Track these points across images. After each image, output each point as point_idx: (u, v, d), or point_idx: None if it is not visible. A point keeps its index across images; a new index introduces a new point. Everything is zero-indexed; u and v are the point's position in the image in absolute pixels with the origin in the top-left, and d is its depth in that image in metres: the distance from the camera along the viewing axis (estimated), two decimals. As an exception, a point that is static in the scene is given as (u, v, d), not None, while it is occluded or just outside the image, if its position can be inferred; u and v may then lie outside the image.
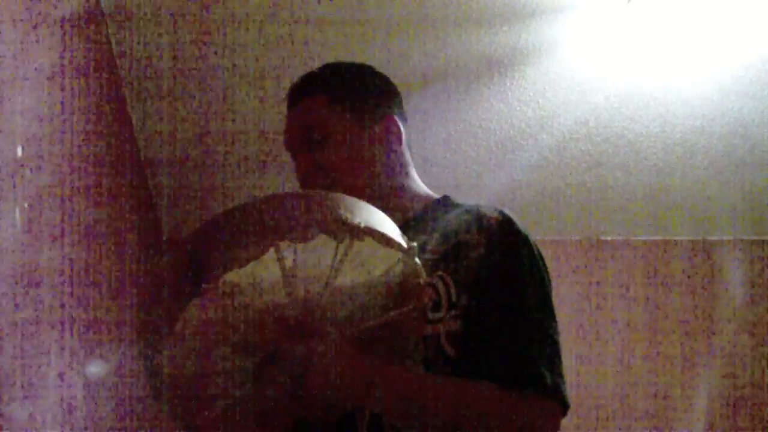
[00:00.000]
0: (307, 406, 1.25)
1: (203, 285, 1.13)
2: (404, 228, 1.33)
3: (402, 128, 1.56)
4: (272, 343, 1.23)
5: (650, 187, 3.29)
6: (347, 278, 1.23)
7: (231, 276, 1.15)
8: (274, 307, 1.22)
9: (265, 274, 1.16)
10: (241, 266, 1.13)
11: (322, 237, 1.17)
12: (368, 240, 1.19)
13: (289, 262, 1.17)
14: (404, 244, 1.24)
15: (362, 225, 1.18)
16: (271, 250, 1.15)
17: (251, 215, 1.17)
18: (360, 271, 1.24)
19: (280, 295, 1.20)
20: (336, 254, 1.19)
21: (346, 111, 1.53)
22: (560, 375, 1.34)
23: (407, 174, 1.57)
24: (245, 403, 1.29)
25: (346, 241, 1.18)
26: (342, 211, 1.18)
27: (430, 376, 1.34)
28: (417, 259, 1.27)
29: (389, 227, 1.25)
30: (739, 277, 3.59)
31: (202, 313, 1.16)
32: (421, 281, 1.29)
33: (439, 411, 1.29)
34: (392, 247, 1.22)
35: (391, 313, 1.30)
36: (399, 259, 1.26)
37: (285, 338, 1.23)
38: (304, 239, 1.15)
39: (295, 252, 1.17)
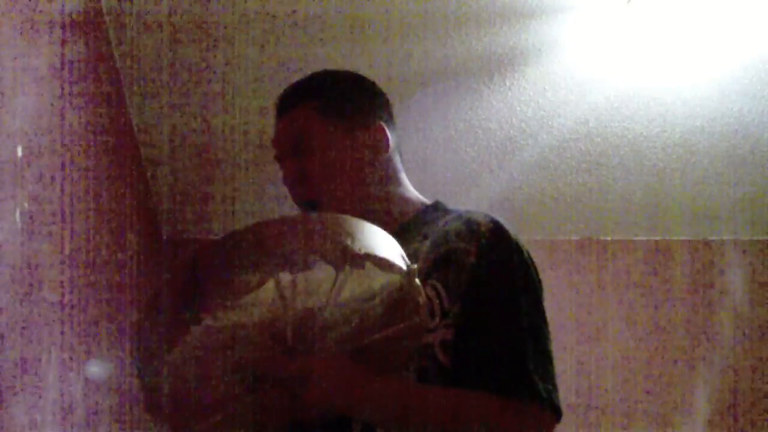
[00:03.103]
0: (302, 415, 1.26)
1: (202, 315, 1.13)
2: (395, 235, 1.34)
3: (390, 135, 1.56)
4: (270, 360, 1.23)
5: (650, 187, 3.29)
6: (346, 293, 1.23)
7: None
8: (271, 323, 1.21)
9: (263, 290, 1.16)
10: (240, 297, 1.13)
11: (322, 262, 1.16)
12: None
13: (286, 283, 1.16)
14: (404, 267, 1.24)
15: (363, 252, 1.17)
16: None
17: (250, 243, 1.16)
18: (359, 287, 1.23)
19: (279, 311, 1.20)
20: (336, 280, 1.19)
21: (334, 118, 1.53)
22: (552, 383, 1.34)
23: (397, 180, 1.57)
24: (242, 414, 1.29)
25: (347, 269, 1.18)
26: (343, 237, 1.17)
27: (424, 387, 1.34)
28: (417, 280, 1.27)
29: (390, 247, 1.24)
30: (739, 277, 3.59)
31: (200, 330, 1.16)
32: (421, 301, 1.29)
33: (433, 422, 1.30)
34: (393, 271, 1.22)
35: (391, 329, 1.29)
36: (399, 281, 1.25)
37: (282, 355, 1.23)
38: (305, 268, 1.15)
39: (294, 279, 1.16)
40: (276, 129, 1.58)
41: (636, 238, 3.61)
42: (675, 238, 3.61)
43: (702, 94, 2.84)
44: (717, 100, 2.87)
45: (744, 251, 3.61)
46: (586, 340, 3.48)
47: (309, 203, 1.51)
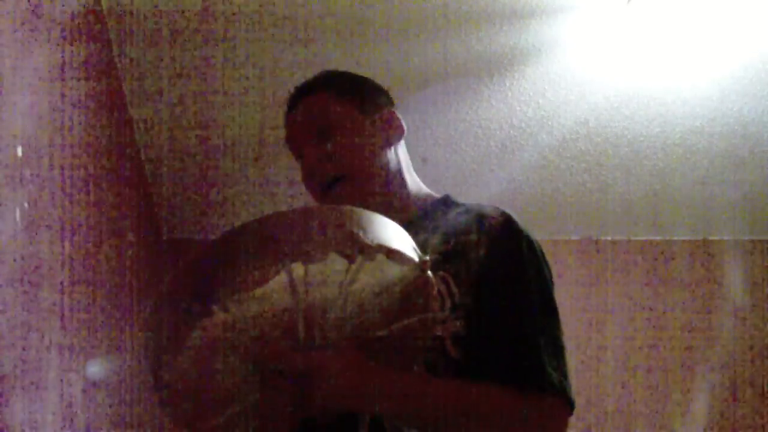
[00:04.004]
0: (312, 410, 1.25)
1: (213, 307, 1.13)
2: (406, 227, 1.34)
3: (403, 123, 1.58)
4: (280, 355, 1.22)
5: (650, 187, 3.29)
6: (358, 285, 1.22)
7: None
8: (283, 317, 1.21)
9: (275, 282, 1.15)
10: (251, 289, 1.12)
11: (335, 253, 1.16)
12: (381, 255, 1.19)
13: (299, 275, 1.16)
14: (417, 259, 1.23)
15: (375, 244, 1.17)
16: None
17: (262, 235, 1.15)
18: (371, 279, 1.23)
19: (291, 303, 1.19)
20: (347, 273, 1.18)
21: (351, 103, 1.55)
22: (565, 374, 1.34)
23: (409, 172, 1.59)
24: (253, 409, 1.29)
25: (359, 260, 1.17)
26: (355, 229, 1.17)
27: (436, 381, 1.34)
28: (429, 273, 1.27)
29: (402, 240, 1.23)
30: (739, 277, 3.59)
31: (210, 324, 1.15)
32: (433, 293, 1.29)
33: (447, 415, 1.29)
34: (405, 263, 1.21)
35: (403, 322, 1.29)
36: (411, 273, 1.25)
37: (293, 349, 1.23)
38: (316, 260, 1.14)
39: (306, 271, 1.15)
40: (292, 120, 1.58)
41: (636, 238, 3.61)
42: (675, 238, 3.61)
43: (702, 94, 2.84)
44: (717, 100, 2.87)
45: (744, 251, 3.61)
46: (586, 339, 3.48)
47: (333, 182, 1.52)
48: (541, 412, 1.31)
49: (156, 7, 2.42)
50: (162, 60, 2.60)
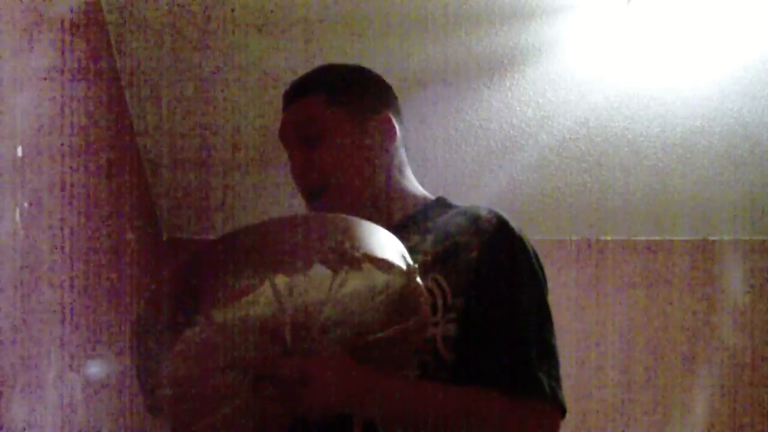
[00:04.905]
0: (304, 413, 1.25)
1: (197, 317, 1.13)
2: (399, 229, 1.33)
3: (397, 126, 1.56)
4: (269, 361, 1.22)
5: (650, 187, 3.29)
6: (344, 295, 1.22)
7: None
8: (269, 325, 1.21)
9: (259, 292, 1.15)
10: (234, 300, 1.12)
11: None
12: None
13: (282, 286, 1.15)
14: (404, 267, 1.23)
15: (360, 253, 1.16)
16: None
17: (247, 245, 1.15)
18: (358, 288, 1.23)
19: (277, 313, 1.19)
20: (333, 282, 1.18)
21: (342, 108, 1.53)
22: (557, 379, 1.33)
23: (402, 173, 1.57)
24: (242, 413, 1.29)
25: (344, 270, 1.17)
26: (341, 238, 1.16)
27: (426, 384, 1.34)
28: (418, 280, 1.26)
29: (390, 247, 1.23)
30: (739, 277, 3.59)
31: (194, 333, 1.15)
32: (422, 300, 1.28)
33: (438, 419, 1.29)
34: (392, 271, 1.21)
35: (392, 329, 1.29)
36: (399, 281, 1.24)
37: (281, 355, 1.22)
38: (300, 271, 1.13)
39: (290, 281, 1.15)
40: (283, 120, 1.58)
41: (636, 238, 3.61)
42: (675, 238, 3.61)
43: (702, 94, 2.84)
44: (717, 100, 2.87)
45: (744, 251, 3.61)
46: (586, 340, 3.48)
47: (317, 191, 1.51)
48: (532, 418, 1.31)
49: (156, 7, 2.42)
50: (162, 60, 2.60)
